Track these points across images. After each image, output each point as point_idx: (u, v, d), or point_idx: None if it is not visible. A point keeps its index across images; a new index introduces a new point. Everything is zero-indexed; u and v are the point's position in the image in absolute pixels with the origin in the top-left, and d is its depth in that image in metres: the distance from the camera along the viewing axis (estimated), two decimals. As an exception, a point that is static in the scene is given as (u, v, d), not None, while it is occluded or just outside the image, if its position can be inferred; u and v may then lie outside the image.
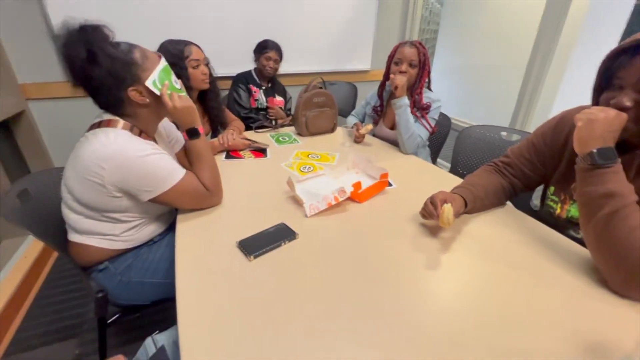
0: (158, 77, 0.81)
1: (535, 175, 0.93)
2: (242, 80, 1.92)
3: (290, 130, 1.68)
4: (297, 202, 0.95)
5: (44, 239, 0.80)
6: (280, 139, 1.55)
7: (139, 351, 0.68)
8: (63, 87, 1.96)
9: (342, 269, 0.70)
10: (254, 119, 1.89)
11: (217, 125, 1.54)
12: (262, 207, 0.94)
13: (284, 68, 2.26)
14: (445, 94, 3.47)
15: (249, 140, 1.41)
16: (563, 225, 0.87)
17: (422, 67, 1.33)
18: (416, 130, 1.33)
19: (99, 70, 0.73)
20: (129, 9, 1.90)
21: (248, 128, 1.70)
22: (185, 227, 0.84)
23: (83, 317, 1.37)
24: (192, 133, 0.91)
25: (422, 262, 0.73)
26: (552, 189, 0.89)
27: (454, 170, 1.48)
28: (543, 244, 0.78)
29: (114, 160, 0.73)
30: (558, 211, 0.87)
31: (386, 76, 1.40)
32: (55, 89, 1.95)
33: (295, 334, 0.54)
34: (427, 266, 0.72)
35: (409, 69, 1.33)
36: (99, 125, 0.79)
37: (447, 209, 0.76)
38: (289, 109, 2.11)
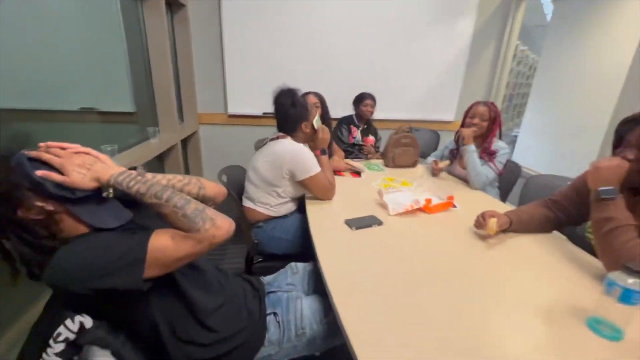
0: (317, 118, 1.42)
1: (577, 212, 1.17)
2: (345, 121, 2.49)
3: (379, 161, 2.14)
4: (383, 206, 1.37)
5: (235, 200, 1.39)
6: (371, 167, 2.01)
7: (281, 270, 1.15)
8: (221, 116, 2.83)
9: (406, 246, 1.10)
10: (350, 151, 2.42)
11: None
12: (358, 206, 1.39)
13: (378, 114, 2.78)
14: (531, 149, 3.54)
15: (349, 164, 1.91)
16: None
17: (493, 122, 1.68)
18: (483, 170, 1.65)
19: (294, 111, 1.35)
20: (275, 72, 2.71)
21: (345, 157, 2.22)
22: (312, 207, 1.35)
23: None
24: (322, 151, 1.45)
25: (463, 249, 1.07)
26: (588, 223, 1.13)
27: (518, 210, 1.71)
28: (567, 258, 1.04)
29: (291, 152, 1.33)
30: (593, 242, 1.10)
31: (461, 126, 1.78)
32: (216, 117, 2.83)
33: (365, 269, 0.95)
34: (464, 252, 1.06)
35: (481, 122, 1.69)
36: (277, 138, 1.39)
37: (492, 221, 1.09)
38: (378, 147, 2.58)
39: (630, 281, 0.67)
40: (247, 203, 1.43)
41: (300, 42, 2.68)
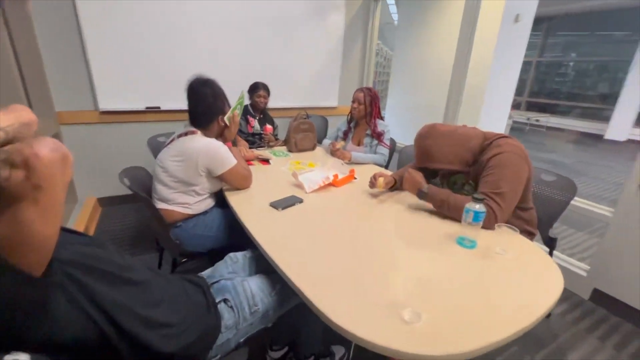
0: (229, 112, 1.43)
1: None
2: (242, 112, 2.50)
3: (282, 148, 2.27)
4: (299, 186, 1.52)
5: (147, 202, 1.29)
6: (277, 153, 2.13)
7: (219, 262, 1.16)
8: (90, 114, 2.40)
9: (328, 216, 1.29)
10: (251, 141, 2.46)
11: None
12: (277, 189, 1.49)
13: (272, 103, 2.88)
14: (396, 126, 4.30)
15: (256, 153, 1.97)
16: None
17: (370, 104, 2.03)
18: (378, 157, 2.03)
19: (214, 102, 1.34)
20: (157, 64, 2.45)
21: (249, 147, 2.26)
22: (235, 198, 1.38)
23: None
24: (233, 143, 1.48)
25: (368, 210, 1.35)
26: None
27: (398, 175, 2.14)
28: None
29: (205, 149, 1.30)
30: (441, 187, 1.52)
31: (350, 110, 2.10)
32: (84, 115, 2.38)
33: (303, 243, 1.11)
34: (369, 212, 1.33)
35: (359, 106, 2.05)
36: (186, 134, 1.33)
37: (380, 180, 1.40)
38: (276, 135, 2.71)
39: (477, 206, 1.02)
40: (161, 205, 1.34)
41: (181, 30, 2.49)
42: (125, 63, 2.36)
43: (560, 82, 9.66)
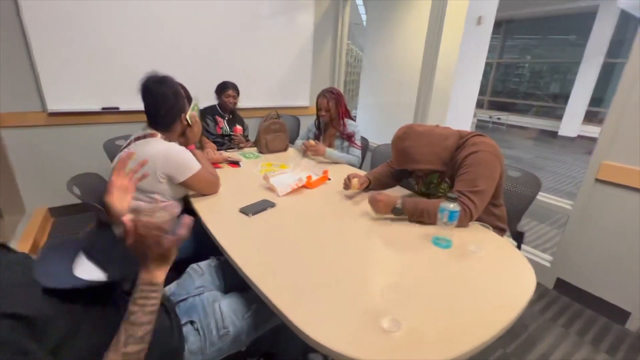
0: (190, 111, 1.33)
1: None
2: (209, 112, 2.38)
3: (253, 149, 2.19)
4: (271, 189, 1.45)
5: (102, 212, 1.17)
6: (247, 155, 2.04)
7: (183, 276, 1.07)
8: (37, 116, 2.17)
9: (301, 220, 1.24)
10: (220, 142, 2.35)
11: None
12: (247, 194, 1.42)
13: (242, 103, 2.78)
14: (367, 124, 4.33)
15: (224, 156, 1.87)
16: (418, 193, 1.51)
17: (335, 108, 2.01)
18: (351, 157, 1.99)
19: (175, 102, 1.22)
20: (112, 60, 2.26)
21: (217, 149, 2.15)
22: (201, 204, 1.29)
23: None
24: (196, 145, 1.39)
25: (343, 212, 1.31)
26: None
27: (372, 175, 2.13)
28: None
29: (164, 154, 1.19)
30: (416, 187, 1.52)
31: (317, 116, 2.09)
32: (29, 117, 2.15)
33: (275, 251, 1.05)
34: (344, 214, 1.29)
35: (326, 113, 2.03)
36: (144, 137, 1.22)
37: (354, 181, 1.38)
38: (247, 135, 2.61)
39: (452, 205, 1.01)
40: (118, 214, 1.23)
41: (144, 26, 2.32)
42: (77, 59, 2.16)
43: (517, 83, 10.27)
